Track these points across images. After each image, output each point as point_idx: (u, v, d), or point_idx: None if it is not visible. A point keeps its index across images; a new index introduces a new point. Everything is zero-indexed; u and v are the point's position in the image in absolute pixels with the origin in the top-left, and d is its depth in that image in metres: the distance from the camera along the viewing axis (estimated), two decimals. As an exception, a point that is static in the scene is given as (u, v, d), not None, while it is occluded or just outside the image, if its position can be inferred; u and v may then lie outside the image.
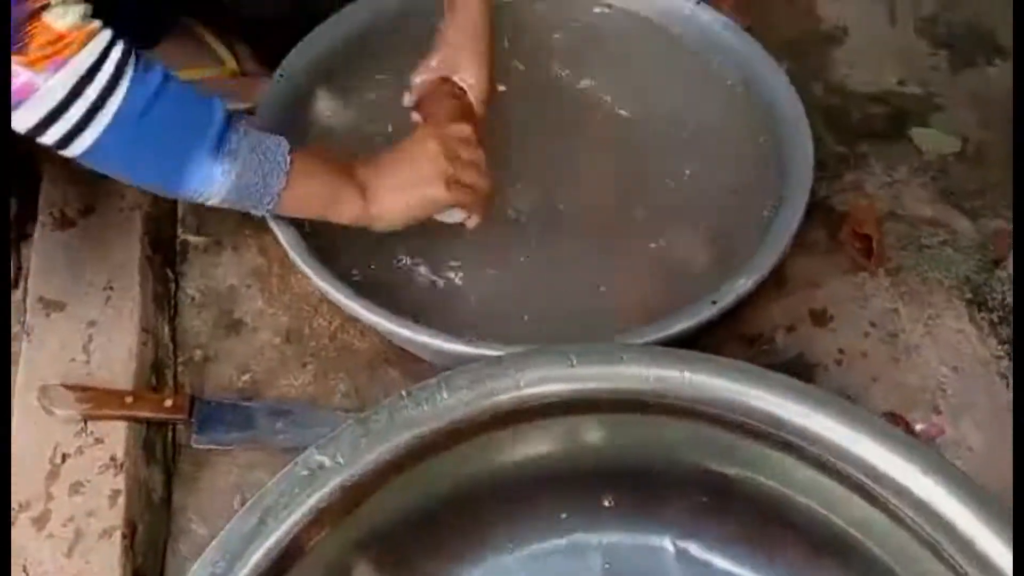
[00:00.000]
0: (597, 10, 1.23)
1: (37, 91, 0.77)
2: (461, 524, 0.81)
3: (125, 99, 0.80)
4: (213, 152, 0.84)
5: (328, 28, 1.15)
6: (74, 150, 0.81)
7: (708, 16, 1.19)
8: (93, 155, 0.82)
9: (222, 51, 1.25)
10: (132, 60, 0.81)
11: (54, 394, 0.93)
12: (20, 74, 0.76)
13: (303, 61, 1.12)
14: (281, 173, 0.88)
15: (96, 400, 0.93)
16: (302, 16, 1.24)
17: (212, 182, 0.86)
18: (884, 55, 1.38)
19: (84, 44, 0.78)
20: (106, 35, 0.79)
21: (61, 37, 0.77)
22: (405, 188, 0.95)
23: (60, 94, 0.78)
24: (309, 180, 0.91)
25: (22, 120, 0.79)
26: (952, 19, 1.43)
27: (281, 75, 1.10)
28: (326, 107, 1.13)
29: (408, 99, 1.07)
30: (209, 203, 0.89)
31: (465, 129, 0.98)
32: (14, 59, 0.76)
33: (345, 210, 0.94)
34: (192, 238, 1.14)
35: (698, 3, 1.19)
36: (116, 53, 0.79)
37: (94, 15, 0.80)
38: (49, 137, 0.80)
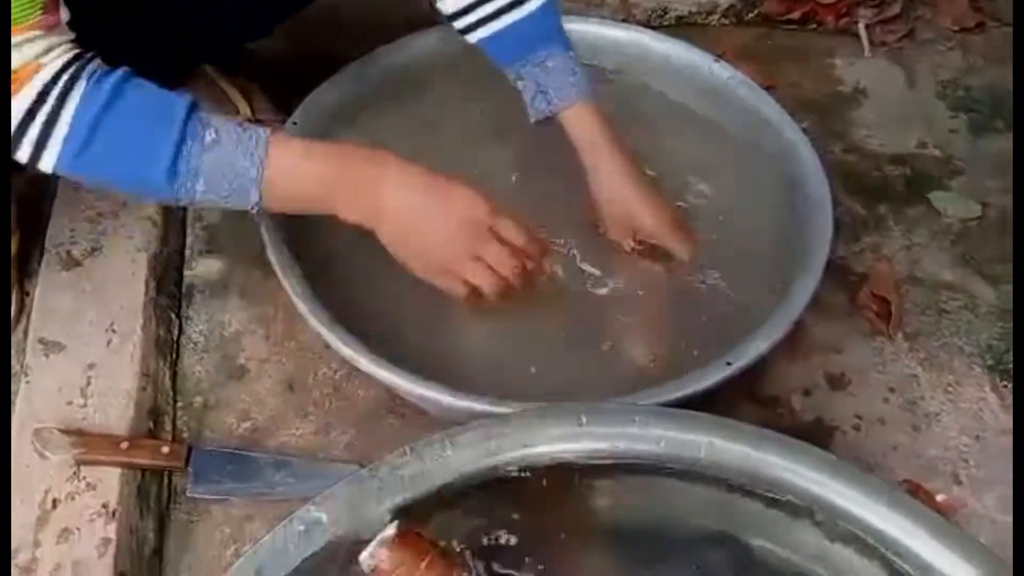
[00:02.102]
0: (611, 68, 1.22)
1: None
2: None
3: (73, 120, 0.79)
4: (169, 172, 0.82)
5: (342, 77, 1.15)
6: (44, 167, 0.82)
7: (727, 73, 1.18)
8: (62, 171, 0.83)
9: (237, 98, 1.24)
10: (79, 84, 0.80)
11: (48, 437, 0.91)
12: None
13: (316, 108, 1.12)
14: (252, 185, 0.84)
15: (91, 445, 0.90)
16: (318, 56, 1.25)
17: (177, 196, 0.84)
18: (903, 118, 1.37)
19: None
20: (46, 74, 0.79)
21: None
22: (415, 256, 0.91)
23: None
24: (292, 182, 0.86)
25: None
26: (971, 83, 1.42)
27: (295, 123, 1.09)
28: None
29: None
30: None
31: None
32: None
33: (349, 215, 0.89)
34: (198, 281, 1.13)
35: (717, 60, 1.18)
36: (56, 89, 0.79)
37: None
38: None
